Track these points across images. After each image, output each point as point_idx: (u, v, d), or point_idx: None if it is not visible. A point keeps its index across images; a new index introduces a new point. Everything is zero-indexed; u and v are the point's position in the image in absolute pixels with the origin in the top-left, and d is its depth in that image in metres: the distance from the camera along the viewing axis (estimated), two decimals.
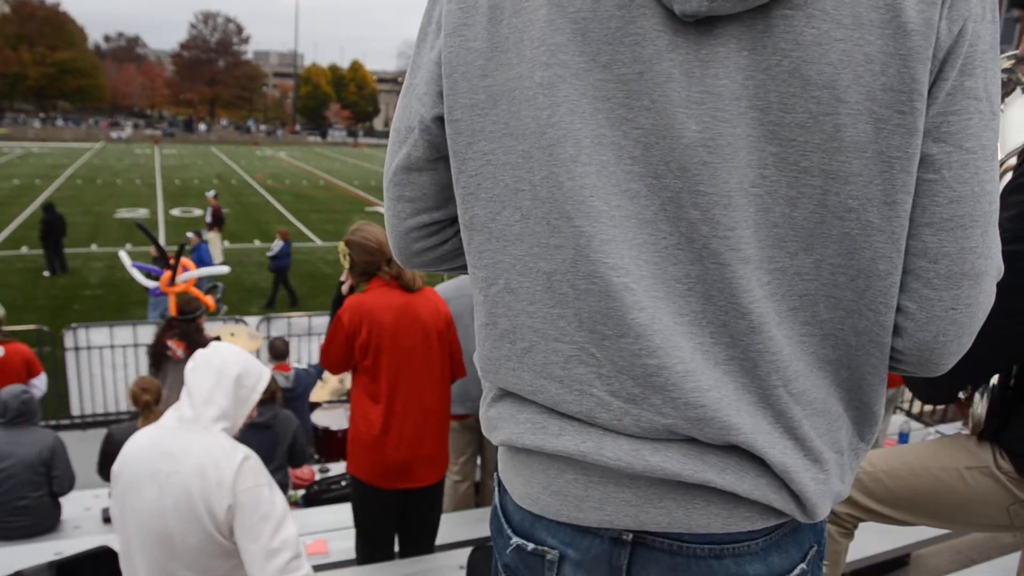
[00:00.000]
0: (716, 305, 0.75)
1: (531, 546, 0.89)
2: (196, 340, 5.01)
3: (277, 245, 12.92)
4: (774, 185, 0.72)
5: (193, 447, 1.94)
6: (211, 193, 16.28)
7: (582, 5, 0.72)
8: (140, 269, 6.28)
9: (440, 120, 0.86)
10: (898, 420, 5.00)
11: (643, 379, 0.76)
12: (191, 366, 2.07)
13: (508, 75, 0.78)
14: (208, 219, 15.63)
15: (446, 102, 0.83)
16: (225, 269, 6.37)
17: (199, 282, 6.44)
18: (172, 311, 5.28)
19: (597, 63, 0.73)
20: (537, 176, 0.77)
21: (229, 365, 2.06)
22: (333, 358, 2.92)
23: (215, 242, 15.64)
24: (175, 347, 4.97)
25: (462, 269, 0.99)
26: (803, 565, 0.85)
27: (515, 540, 0.91)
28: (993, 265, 0.77)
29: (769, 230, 0.73)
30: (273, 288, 13.18)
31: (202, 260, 11.34)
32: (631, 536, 0.83)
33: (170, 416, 2.04)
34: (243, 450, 2.00)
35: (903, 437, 4.35)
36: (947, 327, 0.77)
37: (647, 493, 0.80)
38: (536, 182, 0.77)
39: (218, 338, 5.24)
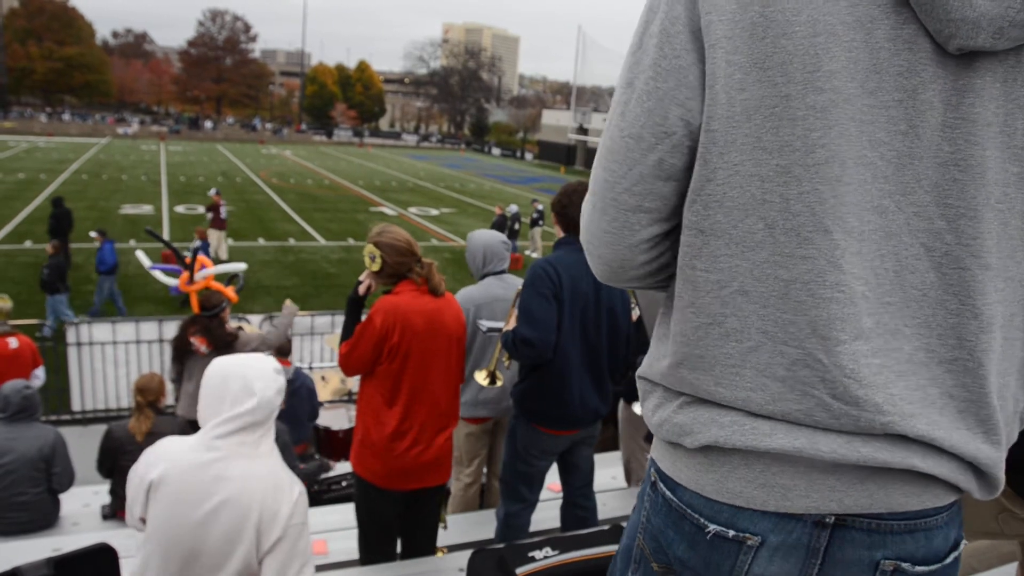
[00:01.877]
0: (948, 309, 0.85)
1: (732, 533, 0.93)
2: (218, 334, 5.06)
3: (195, 245, 12.74)
4: (1013, 201, 0.83)
5: (252, 476, 1.94)
6: (213, 191, 16.28)
7: (855, 36, 0.80)
8: (160, 270, 6.32)
9: (700, 128, 0.89)
10: None
11: (868, 379, 0.84)
12: (251, 406, 1.96)
13: (768, 92, 0.82)
14: (210, 215, 15.64)
15: (706, 111, 0.87)
16: (242, 266, 6.43)
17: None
18: (194, 308, 5.31)
19: (864, 90, 0.80)
20: (793, 191, 0.83)
21: (273, 388, 2.03)
22: (358, 360, 2.88)
23: (216, 239, 15.59)
24: (198, 344, 5.00)
25: (662, 283, 1.03)
26: (964, 539, 0.98)
27: (712, 527, 0.94)
28: None
29: (1007, 242, 0.84)
30: None
31: (103, 260, 11.33)
32: (833, 519, 0.90)
33: (222, 439, 1.96)
34: (298, 483, 2.03)
35: None
36: None
37: (850, 478, 0.88)
38: (790, 196, 0.83)
39: (240, 328, 5.27)
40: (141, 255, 6.33)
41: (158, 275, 6.21)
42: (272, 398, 2.01)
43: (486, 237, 3.81)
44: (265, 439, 2.02)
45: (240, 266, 6.37)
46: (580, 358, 3.07)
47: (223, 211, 15.74)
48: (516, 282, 3.74)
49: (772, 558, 0.92)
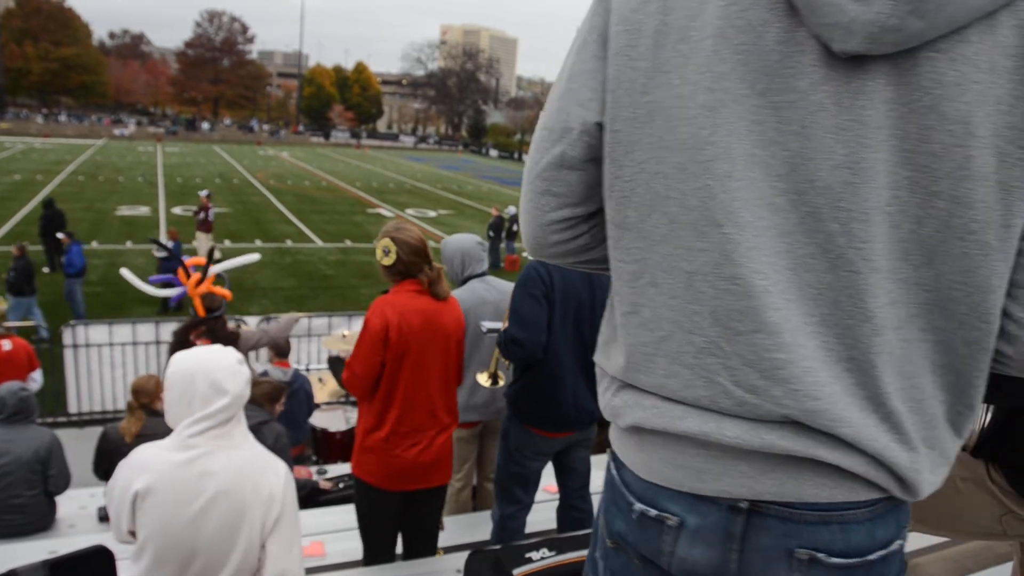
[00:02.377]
0: (843, 309, 0.85)
1: (654, 512, 0.98)
2: (223, 335, 5.13)
3: (168, 246, 12.75)
4: (905, 205, 0.82)
5: (238, 465, 1.94)
6: (203, 193, 16.18)
7: (746, 39, 0.82)
8: (156, 282, 6.29)
9: (600, 126, 0.96)
10: None
11: (769, 372, 0.86)
12: (223, 404, 1.96)
13: (668, 94, 0.88)
14: (200, 216, 15.58)
15: (609, 113, 0.94)
16: (255, 257, 6.45)
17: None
18: (199, 311, 5.34)
19: (754, 90, 0.83)
20: (689, 187, 0.87)
21: (243, 382, 2.02)
22: (364, 363, 2.82)
23: (203, 241, 15.53)
24: (204, 345, 5.05)
25: (588, 263, 1.10)
26: (900, 540, 0.95)
27: (638, 506, 1.00)
28: None
29: (897, 244, 0.84)
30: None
31: (71, 263, 11.28)
32: (747, 504, 0.92)
33: (196, 437, 1.95)
34: (280, 461, 2.05)
35: None
36: None
37: (762, 465, 0.90)
38: (687, 192, 0.87)
39: (239, 327, 5.30)
40: (126, 273, 6.27)
41: (149, 289, 6.16)
42: (243, 392, 2.00)
43: (461, 241, 3.78)
44: (237, 427, 2.00)
45: (253, 257, 6.35)
46: (573, 359, 3.07)
47: (211, 214, 15.63)
48: (499, 284, 3.74)
49: (693, 541, 0.95)
